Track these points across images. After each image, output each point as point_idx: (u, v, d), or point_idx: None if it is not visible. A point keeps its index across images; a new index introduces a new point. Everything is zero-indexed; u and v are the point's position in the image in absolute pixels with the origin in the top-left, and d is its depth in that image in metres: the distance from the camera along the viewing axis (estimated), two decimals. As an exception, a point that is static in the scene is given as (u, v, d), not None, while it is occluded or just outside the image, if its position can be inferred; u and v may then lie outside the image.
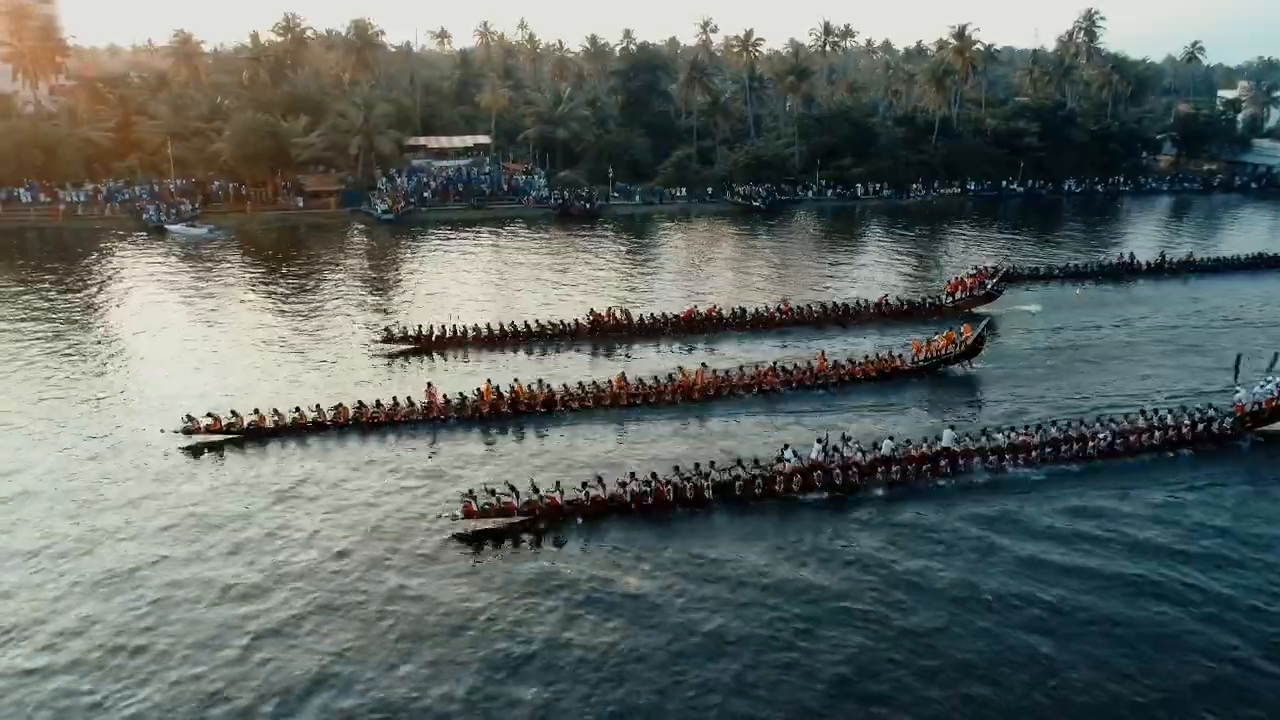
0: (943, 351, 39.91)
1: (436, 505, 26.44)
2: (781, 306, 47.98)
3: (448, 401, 34.29)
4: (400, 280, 59.26)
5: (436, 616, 21.72)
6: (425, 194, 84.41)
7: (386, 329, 43.45)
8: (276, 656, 20.10)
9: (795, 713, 18.69)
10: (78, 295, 52.83)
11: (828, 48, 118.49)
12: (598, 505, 26.69)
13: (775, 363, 38.55)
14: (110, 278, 57.39)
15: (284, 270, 60.35)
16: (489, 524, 25.77)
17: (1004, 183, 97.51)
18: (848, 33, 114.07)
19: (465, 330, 43.75)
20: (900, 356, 40.01)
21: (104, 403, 35.55)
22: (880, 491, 28.48)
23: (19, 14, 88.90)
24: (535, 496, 26.47)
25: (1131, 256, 62.82)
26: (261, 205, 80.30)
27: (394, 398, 33.95)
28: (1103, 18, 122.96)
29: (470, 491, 26.13)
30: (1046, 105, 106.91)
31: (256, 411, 32.58)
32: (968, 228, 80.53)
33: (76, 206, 75.11)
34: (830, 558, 24.55)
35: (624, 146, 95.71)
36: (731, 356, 41.25)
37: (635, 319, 45.76)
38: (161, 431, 31.61)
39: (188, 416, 31.89)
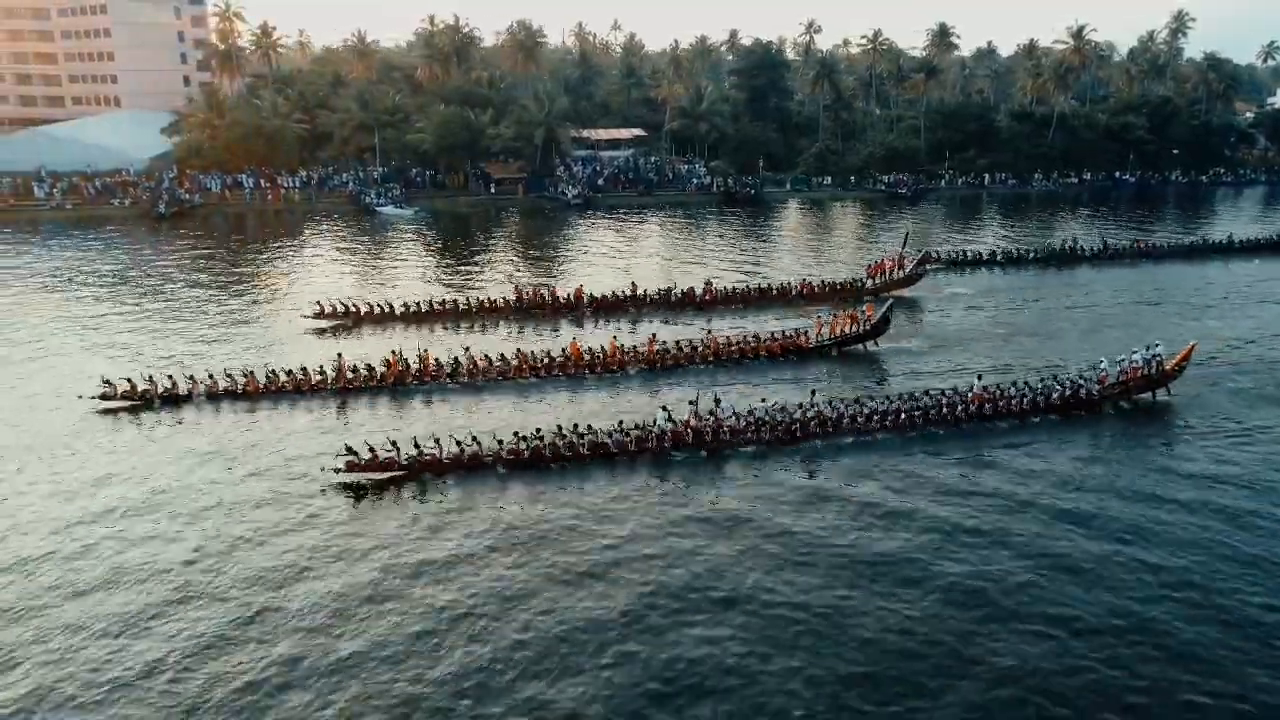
0: (846, 331, 40.41)
1: (324, 461, 27.40)
2: (705, 287, 48.25)
3: (355, 371, 35.09)
4: (607, 258, 61.98)
5: (296, 556, 23.16)
6: (599, 181, 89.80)
7: (317, 303, 44.14)
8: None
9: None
10: (278, 263, 59.89)
11: (938, 49, 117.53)
12: (475, 461, 28.11)
13: (660, 340, 39.12)
14: (319, 251, 63.95)
15: (493, 246, 67.75)
16: (372, 476, 27.40)
17: (1116, 174, 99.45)
18: (946, 33, 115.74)
19: (393, 306, 44.68)
20: (805, 334, 40.24)
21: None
22: (750, 450, 29.84)
23: (228, 16, 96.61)
24: (416, 452, 27.97)
25: (1075, 241, 63.28)
26: (454, 191, 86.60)
27: (304, 367, 34.49)
28: (1193, 19, 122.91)
29: (349, 448, 27.22)
30: (1153, 101, 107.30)
31: (170, 378, 33.61)
32: (1083, 213, 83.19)
33: (294, 192, 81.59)
34: (694, 512, 25.70)
35: (761, 139, 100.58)
36: (644, 334, 41.08)
37: (561, 297, 46.39)
38: (79, 397, 32.46)
39: (104, 381, 32.71)
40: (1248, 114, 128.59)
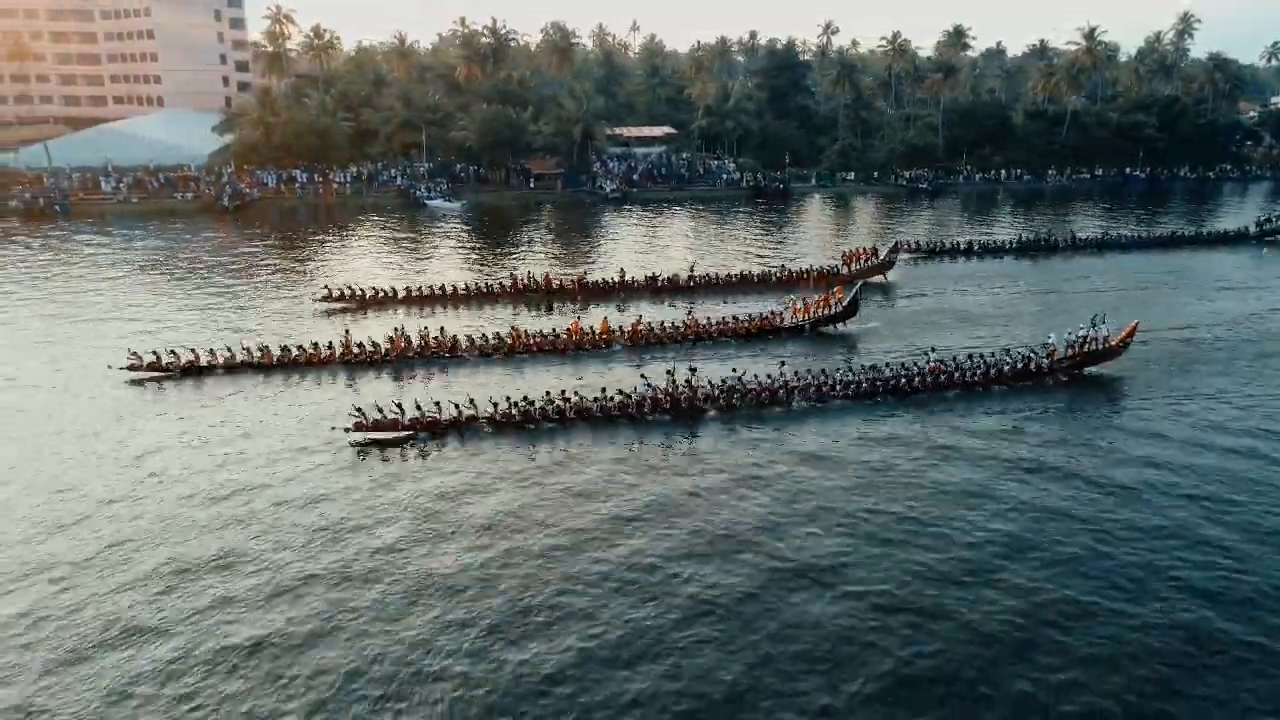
0: (820, 313, 43.19)
1: (335, 422, 30.16)
2: (689, 273, 50.65)
3: (361, 347, 37.47)
4: (649, 248, 65.01)
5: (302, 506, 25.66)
6: (634, 177, 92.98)
7: (325, 288, 46.67)
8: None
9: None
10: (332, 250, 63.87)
11: (954, 49, 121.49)
12: (471, 422, 30.65)
13: (645, 320, 42.02)
14: (379, 241, 67.88)
15: (541, 236, 72.09)
16: (378, 435, 29.69)
17: (1127, 170, 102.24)
18: (961, 33, 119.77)
19: (396, 290, 46.99)
20: (780, 315, 42.75)
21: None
22: (716, 414, 32.23)
23: (280, 19, 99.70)
24: (418, 414, 30.64)
25: (1049, 233, 65.42)
26: (497, 186, 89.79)
27: (314, 342, 36.86)
28: (1198, 20, 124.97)
29: (359, 409, 29.85)
30: (1161, 100, 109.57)
31: (193, 351, 36.31)
32: (1095, 208, 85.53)
33: (345, 187, 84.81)
34: (661, 466, 28.24)
35: (785, 136, 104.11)
36: (634, 314, 43.79)
37: (554, 283, 48.70)
38: (109, 367, 34.82)
39: (131, 353, 35.49)
40: (1251, 113, 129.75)
